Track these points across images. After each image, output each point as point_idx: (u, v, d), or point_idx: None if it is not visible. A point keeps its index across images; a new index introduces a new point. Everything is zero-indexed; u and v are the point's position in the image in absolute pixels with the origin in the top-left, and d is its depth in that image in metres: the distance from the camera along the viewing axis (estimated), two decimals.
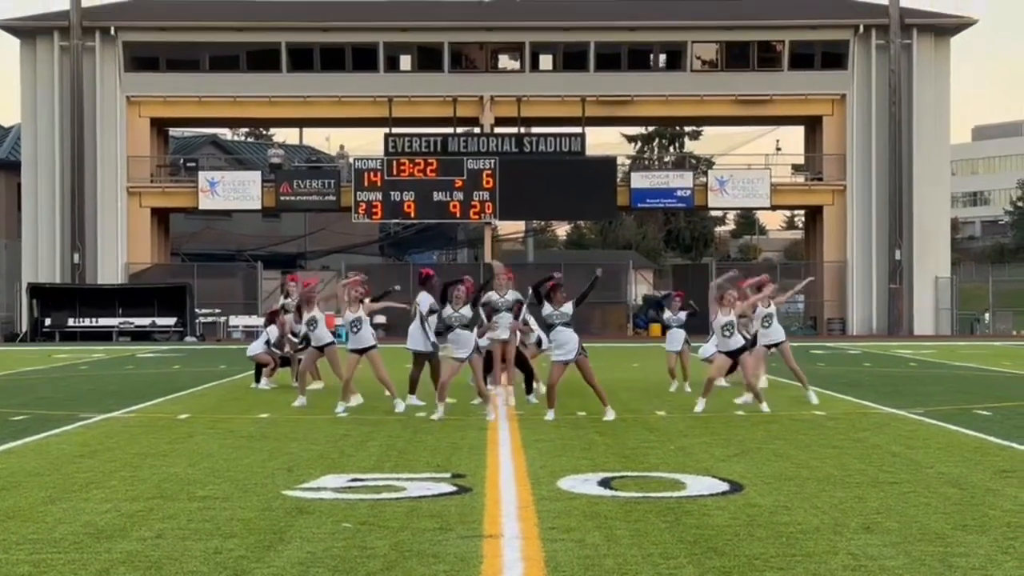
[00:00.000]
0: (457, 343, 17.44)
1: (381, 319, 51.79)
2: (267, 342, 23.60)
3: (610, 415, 16.89)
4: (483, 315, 19.36)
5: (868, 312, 56.46)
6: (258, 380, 23.33)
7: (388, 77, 56.91)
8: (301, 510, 9.92)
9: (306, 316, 19.60)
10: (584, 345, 17.15)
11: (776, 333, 19.49)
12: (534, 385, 19.74)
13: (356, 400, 18.51)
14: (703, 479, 11.46)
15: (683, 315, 21.83)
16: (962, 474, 11.74)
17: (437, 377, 18.78)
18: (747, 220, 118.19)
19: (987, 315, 58.89)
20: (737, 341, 18.44)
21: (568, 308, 17.07)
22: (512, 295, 19.50)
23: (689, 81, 57.17)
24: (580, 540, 8.67)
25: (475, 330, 17.59)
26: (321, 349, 19.64)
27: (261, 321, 25.52)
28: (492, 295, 19.41)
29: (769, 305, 19.50)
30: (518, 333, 19.70)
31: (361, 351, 18.38)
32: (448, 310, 17.50)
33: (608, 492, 10.72)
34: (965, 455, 13.12)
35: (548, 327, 17.30)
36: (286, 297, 23.53)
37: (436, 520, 9.38)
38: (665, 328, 22.59)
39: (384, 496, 10.55)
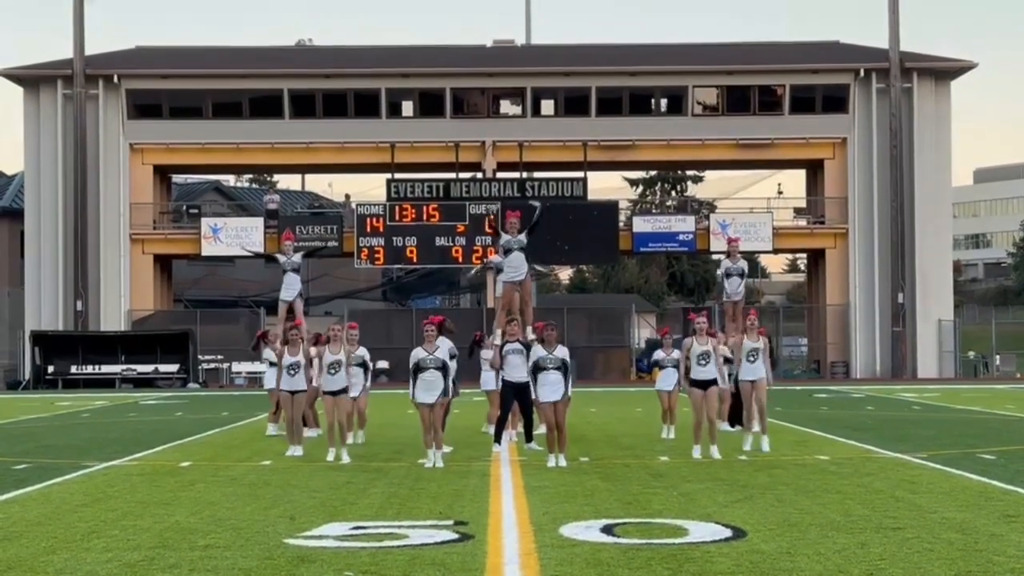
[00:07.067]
0: (427, 387, 17.40)
1: (384, 363, 51.61)
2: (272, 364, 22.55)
3: (560, 461, 16.78)
4: (484, 354, 19.54)
5: (871, 355, 56.37)
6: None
7: (390, 123, 57.07)
8: (303, 559, 9.88)
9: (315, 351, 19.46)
10: (570, 394, 17.02)
11: (757, 370, 19.29)
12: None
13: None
14: (706, 525, 11.42)
15: (676, 354, 21.49)
16: (966, 519, 11.69)
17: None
18: (749, 263, 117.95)
19: (998, 358, 58.79)
20: (708, 372, 18.37)
21: (559, 352, 16.89)
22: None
23: (690, 125, 57.30)
24: None
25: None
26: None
27: (265, 365, 24.86)
28: (504, 236, 19.78)
29: (758, 340, 19.24)
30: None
31: (333, 393, 18.68)
32: (421, 352, 17.44)
33: (611, 539, 10.68)
34: (969, 500, 13.07)
35: (538, 371, 16.94)
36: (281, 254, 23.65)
37: (438, 569, 9.35)
38: (659, 367, 22.25)
39: (386, 544, 10.52)
